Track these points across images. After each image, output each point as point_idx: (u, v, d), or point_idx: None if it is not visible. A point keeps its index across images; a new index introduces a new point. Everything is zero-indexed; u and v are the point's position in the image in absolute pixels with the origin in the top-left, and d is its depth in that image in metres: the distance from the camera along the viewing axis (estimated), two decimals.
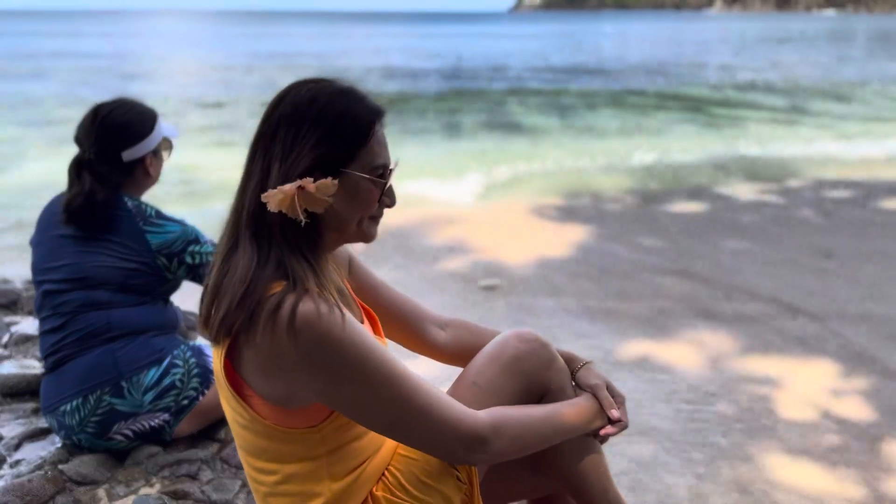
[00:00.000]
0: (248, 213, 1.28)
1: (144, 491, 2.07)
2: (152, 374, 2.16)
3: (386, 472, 1.44)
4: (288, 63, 26.72)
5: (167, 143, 2.39)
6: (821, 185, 8.35)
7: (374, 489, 1.42)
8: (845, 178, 8.72)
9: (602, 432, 1.57)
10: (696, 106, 16.05)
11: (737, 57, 31.27)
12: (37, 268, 2.27)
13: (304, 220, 1.27)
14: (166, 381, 2.17)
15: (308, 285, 1.23)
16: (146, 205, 2.30)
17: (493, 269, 5.42)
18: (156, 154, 2.34)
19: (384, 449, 1.46)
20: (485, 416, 1.35)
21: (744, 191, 8.20)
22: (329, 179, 1.28)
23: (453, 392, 1.53)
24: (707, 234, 6.32)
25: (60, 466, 2.14)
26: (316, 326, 1.19)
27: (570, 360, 1.65)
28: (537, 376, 1.53)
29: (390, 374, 1.26)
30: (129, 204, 2.26)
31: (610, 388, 1.62)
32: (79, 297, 2.17)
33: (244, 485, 2.15)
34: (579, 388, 1.61)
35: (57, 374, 2.18)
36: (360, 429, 1.39)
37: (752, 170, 9.35)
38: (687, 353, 3.87)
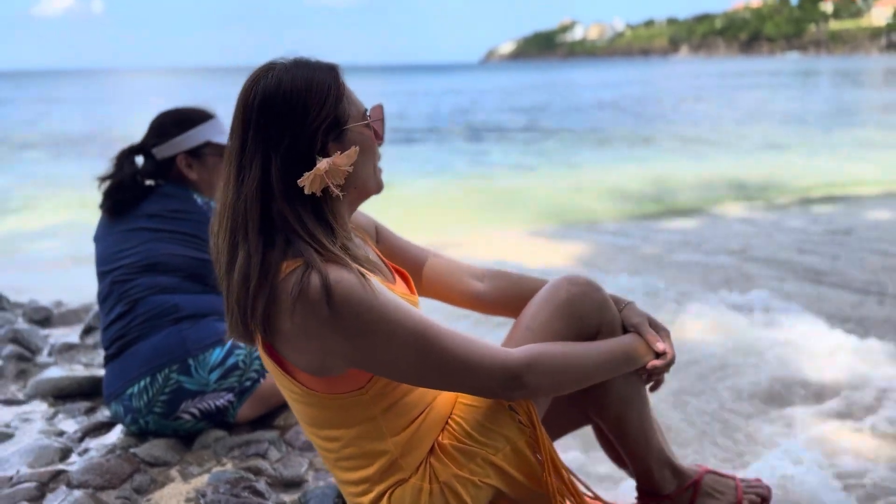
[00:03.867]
0: (248, 210, 1.29)
1: (217, 469, 2.11)
2: (217, 354, 2.22)
3: (449, 421, 1.48)
4: None
5: (216, 148, 2.44)
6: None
7: (439, 437, 1.47)
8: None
9: (649, 365, 1.61)
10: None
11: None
12: (104, 259, 2.34)
13: (339, 194, 1.32)
14: (230, 360, 2.23)
15: (324, 256, 1.29)
16: (212, 202, 2.40)
17: None
18: (195, 155, 2.41)
19: (442, 399, 1.51)
20: (519, 352, 1.39)
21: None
22: (353, 149, 1.35)
23: (508, 338, 1.58)
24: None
25: (132, 450, 2.17)
26: (336, 293, 1.24)
27: (614, 302, 1.68)
28: (590, 319, 1.57)
29: (415, 327, 1.30)
30: (199, 201, 2.38)
31: (653, 324, 1.65)
32: (148, 281, 2.24)
33: (311, 463, 2.19)
34: (623, 328, 1.65)
35: (122, 359, 2.23)
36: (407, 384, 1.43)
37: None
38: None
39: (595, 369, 1.51)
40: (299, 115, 1.31)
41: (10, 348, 2.93)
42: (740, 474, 2.19)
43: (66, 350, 3.03)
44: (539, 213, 8.93)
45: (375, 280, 1.33)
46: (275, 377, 1.43)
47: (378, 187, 1.48)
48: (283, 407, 2.43)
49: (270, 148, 1.30)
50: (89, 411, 2.55)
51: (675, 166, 12.50)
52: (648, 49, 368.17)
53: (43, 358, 3.02)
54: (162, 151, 2.39)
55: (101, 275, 2.36)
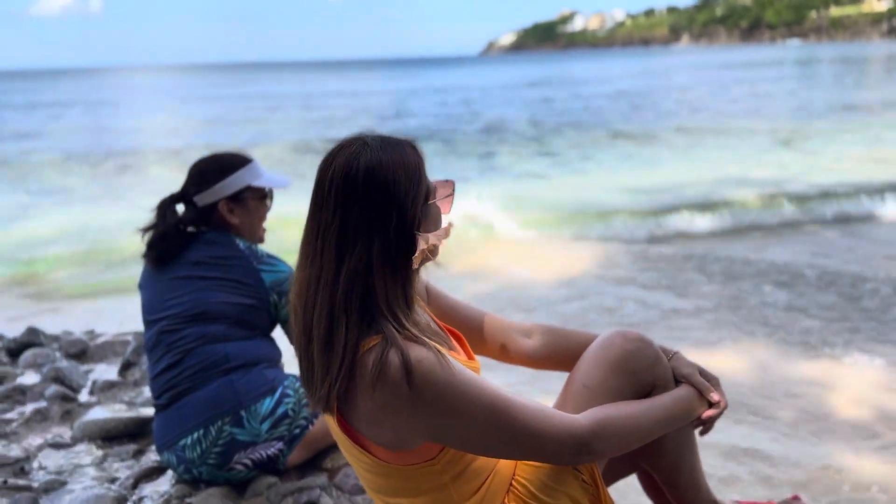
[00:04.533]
0: (352, 286, 1.32)
1: None
2: (267, 404, 2.26)
3: (513, 482, 1.53)
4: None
5: (256, 192, 2.47)
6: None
7: (504, 500, 1.51)
8: None
9: (704, 416, 1.64)
10: None
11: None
12: (150, 308, 2.38)
13: (435, 264, 1.44)
14: (280, 410, 2.27)
15: (402, 333, 1.33)
16: (256, 247, 2.45)
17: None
18: (237, 200, 2.44)
19: (505, 461, 1.54)
20: (584, 419, 1.43)
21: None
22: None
23: (564, 396, 1.62)
24: None
25: (187, 500, 2.22)
26: (416, 373, 1.29)
27: (662, 353, 1.71)
28: (645, 374, 1.61)
29: (491, 402, 1.34)
30: (241, 246, 2.41)
31: (703, 373, 1.69)
32: (196, 331, 2.28)
33: None
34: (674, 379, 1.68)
35: (174, 409, 2.27)
36: None
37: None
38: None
39: (655, 427, 1.56)
40: (402, 194, 1.35)
41: (53, 388, 2.97)
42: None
43: (108, 388, 3.08)
44: (554, 218, 8.97)
45: (450, 356, 1.37)
46: (343, 448, 1.47)
47: (437, 255, 1.53)
48: (329, 448, 2.48)
49: (376, 225, 1.33)
50: (137, 454, 2.59)
51: (688, 165, 12.52)
52: (649, 38, 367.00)
53: (85, 396, 3.07)
54: (203, 199, 2.42)
55: (148, 324, 2.40)
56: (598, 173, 12.39)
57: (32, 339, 3.50)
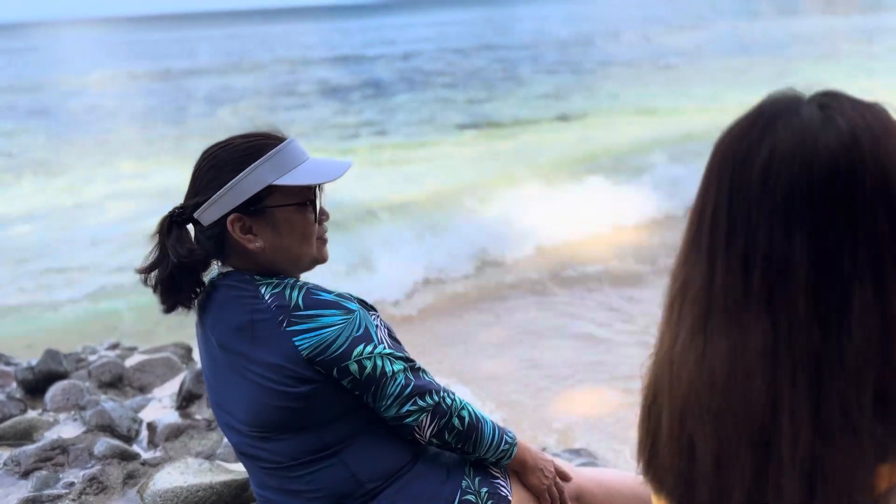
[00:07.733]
0: (865, 365, 0.75)
1: None
2: None
3: None
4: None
5: (286, 195, 1.49)
6: None
7: None
8: None
9: None
10: None
11: None
12: (210, 393, 1.60)
13: None
14: None
15: None
16: (291, 288, 1.47)
17: None
18: (253, 212, 1.48)
19: None
20: None
21: None
22: None
23: None
24: None
25: None
26: None
27: None
28: None
29: None
30: (267, 296, 1.46)
31: None
32: (287, 447, 1.50)
33: None
34: None
35: None
36: None
37: None
38: None
39: None
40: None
41: (104, 442, 2.22)
42: None
43: (174, 435, 2.35)
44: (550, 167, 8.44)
45: None
46: None
47: None
48: None
49: (882, 246, 0.76)
50: None
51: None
52: None
53: (144, 448, 2.34)
54: (206, 214, 1.49)
55: (218, 413, 1.60)
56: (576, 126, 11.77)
57: (54, 366, 2.69)
